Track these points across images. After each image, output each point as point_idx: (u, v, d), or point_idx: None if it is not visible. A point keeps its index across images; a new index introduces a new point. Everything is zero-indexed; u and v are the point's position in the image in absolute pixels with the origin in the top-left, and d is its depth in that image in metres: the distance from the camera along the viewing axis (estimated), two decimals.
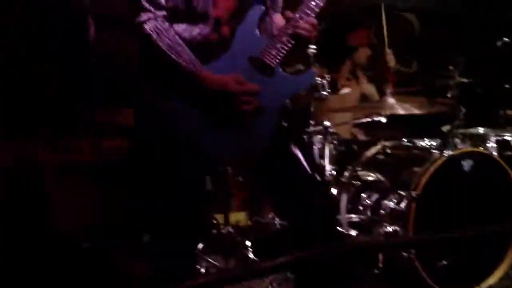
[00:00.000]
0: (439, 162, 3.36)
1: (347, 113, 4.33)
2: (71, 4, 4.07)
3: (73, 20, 3.71)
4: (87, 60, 2.66)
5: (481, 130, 3.95)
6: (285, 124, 2.44)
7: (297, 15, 2.32)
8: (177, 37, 2.29)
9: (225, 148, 2.33)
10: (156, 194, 2.47)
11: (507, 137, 3.76)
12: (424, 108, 3.94)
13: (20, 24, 4.16)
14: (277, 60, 2.31)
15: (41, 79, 4.30)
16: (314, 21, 2.33)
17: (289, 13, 2.35)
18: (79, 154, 4.03)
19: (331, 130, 3.71)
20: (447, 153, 3.41)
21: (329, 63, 4.10)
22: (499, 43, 4.25)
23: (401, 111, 3.76)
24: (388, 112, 3.79)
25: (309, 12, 2.32)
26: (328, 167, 3.65)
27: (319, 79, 3.69)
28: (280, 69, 2.34)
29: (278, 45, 2.31)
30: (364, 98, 4.53)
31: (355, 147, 3.84)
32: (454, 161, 3.40)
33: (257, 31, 2.35)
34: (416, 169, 3.43)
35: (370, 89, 4.62)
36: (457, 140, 3.78)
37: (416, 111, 3.79)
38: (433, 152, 3.50)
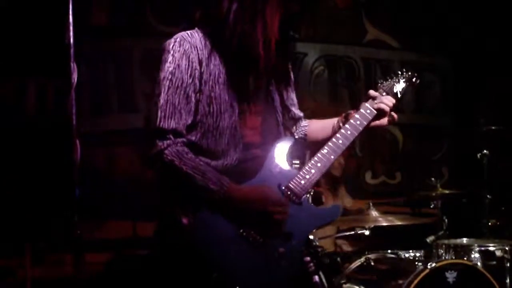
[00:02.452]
0: (423, 274, 3.36)
1: (331, 226, 4.35)
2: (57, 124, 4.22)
3: (58, 142, 3.83)
4: (72, 179, 2.67)
5: (464, 240, 3.96)
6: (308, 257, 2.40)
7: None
8: (198, 159, 2.25)
9: (250, 274, 2.26)
10: None
11: (491, 248, 3.76)
12: (408, 220, 3.98)
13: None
14: (305, 191, 2.34)
15: (24, 194, 4.36)
16: (393, 100, 2.47)
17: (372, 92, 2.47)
18: (61, 267, 4.03)
19: (315, 243, 3.71)
20: (431, 264, 3.41)
21: None
22: (479, 155, 4.34)
23: (384, 223, 3.79)
24: (371, 225, 3.81)
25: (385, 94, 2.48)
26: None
27: None
28: (307, 200, 2.40)
29: (307, 176, 2.33)
30: (344, 210, 4.56)
31: (339, 259, 3.82)
32: (438, 272, 3.39)
33: (286, 162, 2.37)
34: (400, 281, 3.41)
35: (349, 201, 4.67)
36: (441, 251, 3.80)
37: (399, 223, 3.82)
38: (417, 264, 3.50)
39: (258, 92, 2.41)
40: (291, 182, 2.33)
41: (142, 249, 4.43)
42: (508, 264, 3.70)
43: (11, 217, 4.35)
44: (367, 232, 3.84)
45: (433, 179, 4.28)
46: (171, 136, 2.22)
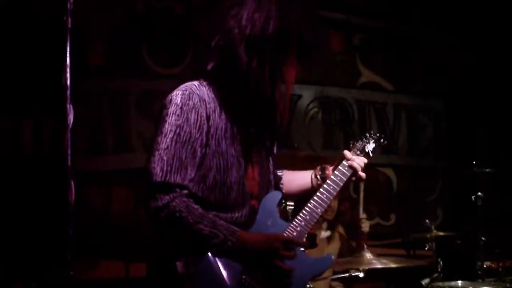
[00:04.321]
0: None
1: None
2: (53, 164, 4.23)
3: (54, 181, 3.82)
4: (66, 219, 2.66)
5: (459, 283, 3.95)
6: None
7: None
8: (204, 211, 2.24)
9: None
10: None
11: None
12: (402, 262, 3.97)
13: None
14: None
15: (18, 233, 4.35)
16: (365, 160, 2.63)
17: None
18: None
19: (309, 286, 3.69)
20: None
21: None
22: (473, 197, 4.35)
23: (379, 265, 3.78)
24: (366, 267, 3.80)
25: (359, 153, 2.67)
26: None
27: None
28: (302, 251, 2.41)
29: (299, 229, 2.40)
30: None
31: None
32: None
33: (277, 212, 2.44)
34: None
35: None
36: None
37: (393, 265, 3.80)
38: None
39: (260, 145, 2.46)
40: (284, 234, 2.38)
41: None
42: None
43: (3, 256, 4.33)
44: (361, 275, 3.82)
45: (427, 220, 4.28)
46: (177, 189, 2.20)
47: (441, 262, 4.09)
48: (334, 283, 4.35)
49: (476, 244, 4.27)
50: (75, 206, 2.66)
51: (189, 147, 2.23)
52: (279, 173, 2.71)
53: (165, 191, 2.18)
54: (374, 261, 3.82)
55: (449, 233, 4.29)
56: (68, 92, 2.46)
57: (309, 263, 2.43)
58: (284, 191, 2.65)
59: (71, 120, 2.47)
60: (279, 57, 2.33)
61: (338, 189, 2.54)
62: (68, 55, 2.48)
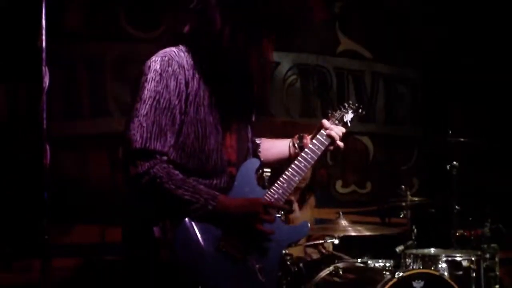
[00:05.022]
0: (391, 283, 3.39)
1: None
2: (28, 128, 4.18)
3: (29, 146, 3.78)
4: (41, 184, 2.64)
5: (432, 251, 4.01)
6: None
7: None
8: (185, 176, 2.25)
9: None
10: None
11: (458, 258, 3.81)
12: (377, 230, 4.01)
13: None
14: (275, 210, 2.41)
15: None
16: (343, 129, 2.65)
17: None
18: (28, 274, 3.98)
19: (285, 251, 3.72)
20: (398, 274, 3.44)
21: None
22: (448, 166, 4.40)
23: (353, 233, 3.82)
24: (340, 234, 3.83)
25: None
26: None
27: None
28: (279, 218, 2.44)
29: (276, 196, 2.42)
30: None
31: (301, 265, 3.82)
32: (405, 282, 3.43)
33: (255, 179, 2.45)
34: None
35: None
36: (409, 261, 3.84)
37: (368, 233, 3.85)
38: (385, 273, 3.53)
39: (238, 113, 2.45)
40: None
41: (110, 255, 4.41)
42: (474, 274, 3.76)
43: None
44: (336, 241, 3.86)
45: (403, 187, 4.32)
46: (158, 156, 2.21)
47: (415, 230, 4.14)
48: (309, 249, 4.39)
49: (450, 213, 4.34)
50: (51, 171, 2.63)
51: (169, 113, 2.23)
52: (257, 140, 2.72)
53: (145, 158, 2.19)
54: (349, 228, 3.85)
55: (424, 201, 4.34)
56: (44, 54, 2.42)
57: (286, 230, 2.47)
58: (262, 159, 2.66)
59: (47, 83, 2.44)
60: (255, 27, 2.33)
61: (316, 158, 2.56)
62: (44, 17, 2.44)
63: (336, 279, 3.70)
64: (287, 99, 5.68)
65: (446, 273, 3.69)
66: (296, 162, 2.52)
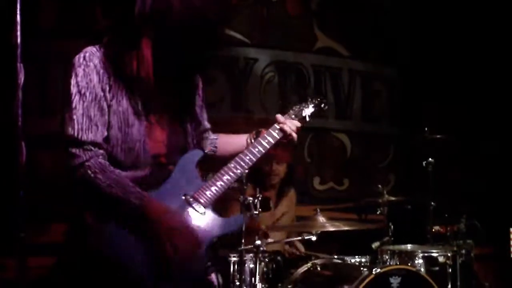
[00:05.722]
0: (368, 279, 3.42)
1: (281, 232, 4.39)
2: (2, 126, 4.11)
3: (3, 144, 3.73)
4: (16, 181, 2.61)
5: (409, 247, 4.04)
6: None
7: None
8: (118, 172, 2.33)
9: (155, 278, 2.32)
10: None
11: (434, 254, 3.85)
12: (354, 225, 4.03)
13: None
14: (210, 201, 2.44)
15: None
16: (298, 124, 2.69)
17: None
18: (3, 273, 3.93)
19: (263, 248, 3.72)
20: (375, 270, 3.47)
21: (260, 182, 4.18)
22: (424, 163, 4.43)
23: (331, 228, 3.83)
24: (318, 230, 3.85)
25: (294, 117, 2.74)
26: (259, 286, 3.62)
27: (251, 198, 3.74)
28: (211, 210, 2.46)
29: (213, 188, 2.46)
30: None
31: (279, 258, 3.83)
32: (382, 278, 3.45)
33: (195, 171, 2.48)
34: (346, 287, 3.46)
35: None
36: (386, 257, 3.87)
37: (345, 228, 3.86)
38: (362, 269, 3.55)
39: (162, 105, 2.47)
40: (197, 192, 2.45)
41: None
42: (450, 270, 3.81)
43: None
44: (314, 238, 3.87)
45: (379, 185, 4.35)
46: (92, 147, 2.30)
47: (392, 226, 4.18)
48: (287, 246, 4.40)
49: (426, 209, 4.37)
50: (26, 169, 2.61)
51: (97, 106, 2.34)
52: (214, 136, 2.77)
53: (79, 149, 2.29)
54: (326, 224, 3.87)
55: (400, 197, 4.38)
56: (19, 51, 2.40)
57: (218, 222, 2.48)
58: (218, 154, 2.73)
59: (22, 80, 2.41)
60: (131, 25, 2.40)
61: (264, 151, 2.59)
62: (18, 13, 2.41)
63: (314, 275, 3.72)
64: (264, 96, 5.68)
65: (422, 269, 3.74)
66: (241, 155, 2.57)
